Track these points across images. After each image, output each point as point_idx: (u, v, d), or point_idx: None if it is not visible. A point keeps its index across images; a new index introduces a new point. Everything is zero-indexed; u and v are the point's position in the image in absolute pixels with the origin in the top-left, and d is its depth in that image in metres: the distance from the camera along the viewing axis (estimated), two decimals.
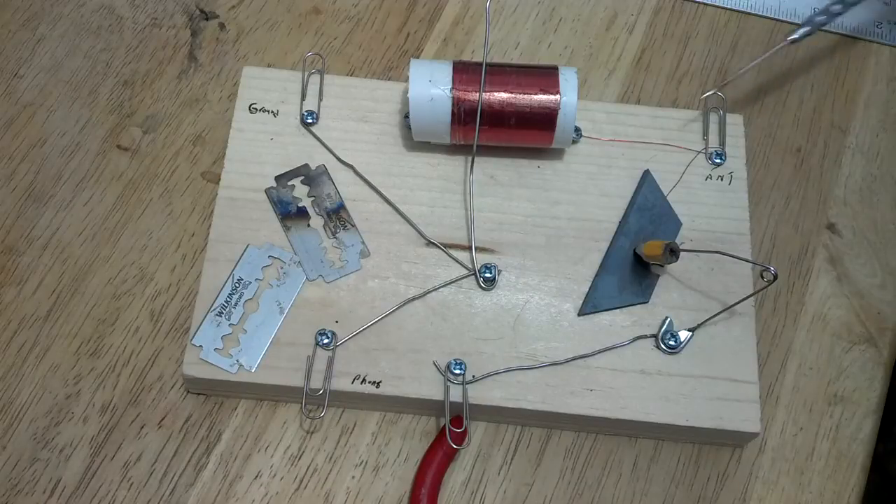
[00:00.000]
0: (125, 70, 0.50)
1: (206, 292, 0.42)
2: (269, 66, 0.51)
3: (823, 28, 0.49)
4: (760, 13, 0.55)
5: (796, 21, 0.55)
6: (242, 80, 0.47)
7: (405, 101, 0.46)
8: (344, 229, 0.44)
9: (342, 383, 0.41)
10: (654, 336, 0.43)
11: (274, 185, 0.45)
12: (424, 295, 0.43)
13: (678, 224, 0.46)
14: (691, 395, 0.42)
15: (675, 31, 0.54)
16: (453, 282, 0.43)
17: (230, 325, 0.41)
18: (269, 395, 0.42)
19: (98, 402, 0.42)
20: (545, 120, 0.44)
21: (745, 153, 0.47)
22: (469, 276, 0.44)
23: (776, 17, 0.55)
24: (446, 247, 0.44)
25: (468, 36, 0.53)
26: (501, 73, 0.44)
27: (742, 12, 0.55)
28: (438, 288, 0.43)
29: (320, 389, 0.40)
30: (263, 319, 0.42)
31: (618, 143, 0.47)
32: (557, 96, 0.43)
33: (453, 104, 0.43)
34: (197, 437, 0.42)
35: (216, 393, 0.42)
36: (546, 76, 0.44)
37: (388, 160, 0.46)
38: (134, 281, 0.45)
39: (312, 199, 0.45)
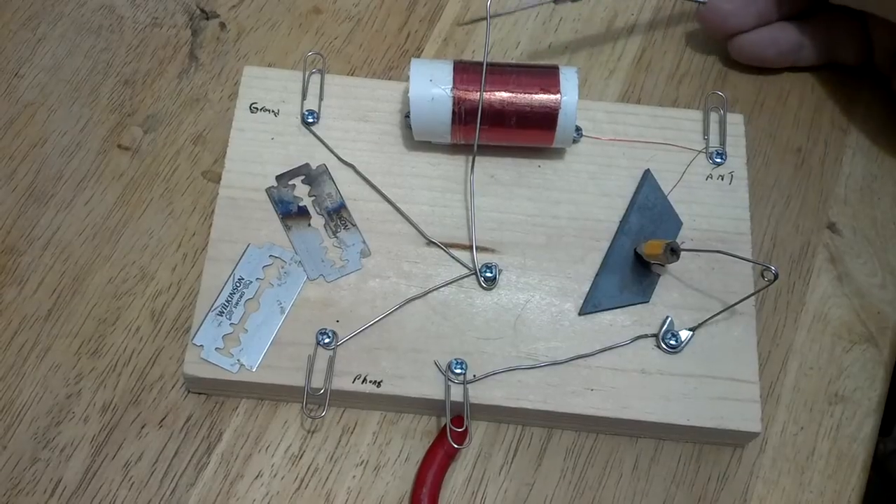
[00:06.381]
0: (126, 69, 0.50)
1: (207, 292, 0.42)
2: (269, 65, 0.51)
3: None
4: None
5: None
6: (243, 80, 0.47)
7: (406, 101, 0.46)
8: (345, 229, 0.44)
9: (343, 383, 0.41)
10: (655, 335, 0.43)
11: (275, 184, 0.45)
12: (425, 294, 0.43)
13: (679, 223, 0.46)
14: (692, 395, 0.42)
15: (676, 30, 0.54)
16: (454, 281, 0.43)
17: (231, 324, 0.41)
18: (269, 394, 0.42)
19: (99, 402, 0.42)
20: (546, 119, 0.44)
21: (745, 153, 0.47)
22: (470, 275, 0.44)
23: None
24: (447, 246, 0.44)
25: (469, 36, 0.53)
26: (502, 73, 0.44)
27: None
28: (439, 287, 0.43)
29: (321, 389, 0.40)
30: (264, 319, 0.42)
31: (618, 143, 0.47)
32: (558, 96, 0.43)
33: (454, 104, 0.43)
34: (198, 436, 0.42)
35: (217, 392, 0.42)
36: (546, 76, 0.44)
37: (388, 160, 0.46)
38: (135, 280, 0.45)
39: (313, 198, 0.45)
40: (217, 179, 0.46)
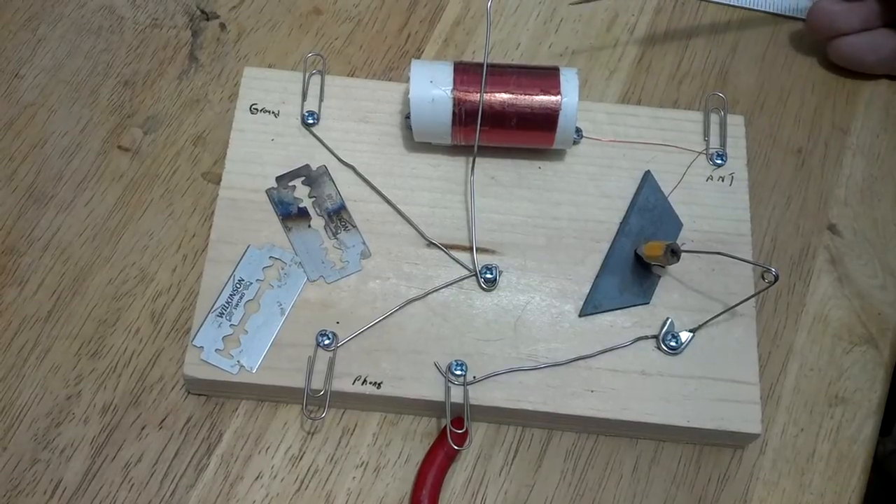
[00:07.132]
0: (126, 70, 0.50)
1: (207, 293, 0.42)
2: (269, 66, 0.51)
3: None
4: (762, 9, 0.55)
5: (798, 16, 0.55)
6: (243, 81, 0.47)
7: (406, 102, 0.46)
8: (345, 230, 0.44)
9: (343, 384, 0.41)
10: (655, 337, 0.43)
11: (275, 185, 0.45)
12: (425, 296, 0.43)
13: (679, 225, 0.45)
14: (692, 396, 0.42)
15: (676, 31, 0.54)
16: (454, 282, 0.43)
17: (231, 325, 0.41)
18: (269, 395, 0.42)
19: (99, 403, 0.42)
20: (546, 121, 0.43)
21: (745, 154, 0.47)
22: (470, 276, 0.44)
23: (777, 11, 0.55)
24: (447, 247, 0.44)
25: (469, 36, 0.53)
26: (502, 74, 0.44)
27: (743, 8, 0.55)
28: (439, 289, 0.43)
29: (321, 390, 0.40)
30: (264, 320, 0.42)
31: (619, 144, 0.47)
32: (558, 97, 0.43)
33: (454, 105, 0.43)
34: (198, 437, 0.42)
35: (217, 394, 0.42)
36: (547, 77, 0.44)
37: (388, 161, 0.46)
38: (135, 282, 0.45)
39: (313, 199, 0.45)
40: (217, 180, 0.46)
